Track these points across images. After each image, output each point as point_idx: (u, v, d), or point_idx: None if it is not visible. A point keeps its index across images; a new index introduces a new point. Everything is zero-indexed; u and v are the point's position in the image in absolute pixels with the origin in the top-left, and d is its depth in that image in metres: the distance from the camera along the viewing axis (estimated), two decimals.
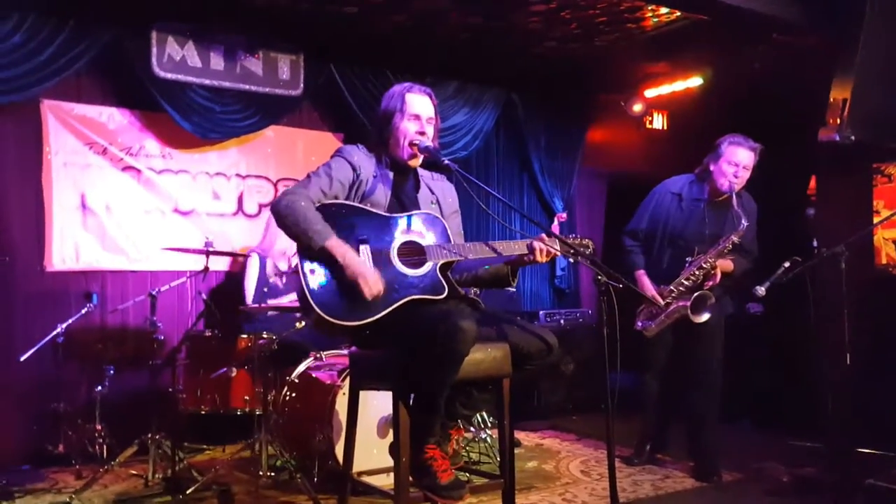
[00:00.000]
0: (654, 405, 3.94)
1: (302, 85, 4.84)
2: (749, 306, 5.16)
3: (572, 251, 2.44)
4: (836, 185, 4.66)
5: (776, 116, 4.65)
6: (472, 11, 4.41)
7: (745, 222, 3.51)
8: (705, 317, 3.60)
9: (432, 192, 2.64)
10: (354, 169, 2.48)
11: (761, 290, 3.44)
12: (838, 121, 3.80)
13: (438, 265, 2.42)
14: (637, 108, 5.96)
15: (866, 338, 3.78)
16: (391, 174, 2.55)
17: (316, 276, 2.29)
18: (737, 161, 3.56)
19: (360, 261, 2.31)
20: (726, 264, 3.63)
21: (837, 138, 3.82)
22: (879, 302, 4.34)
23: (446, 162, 2.47)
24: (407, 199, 2.55)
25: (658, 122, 6.29)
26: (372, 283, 2.26)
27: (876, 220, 4.45)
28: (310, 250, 2.29)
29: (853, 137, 3.83)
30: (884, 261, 4.64)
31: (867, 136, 3.90)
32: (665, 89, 5.72)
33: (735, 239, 3.54)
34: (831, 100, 3.85)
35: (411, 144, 2.50)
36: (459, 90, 5.43)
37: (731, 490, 3.61)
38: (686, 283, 3.64)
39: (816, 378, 4.05)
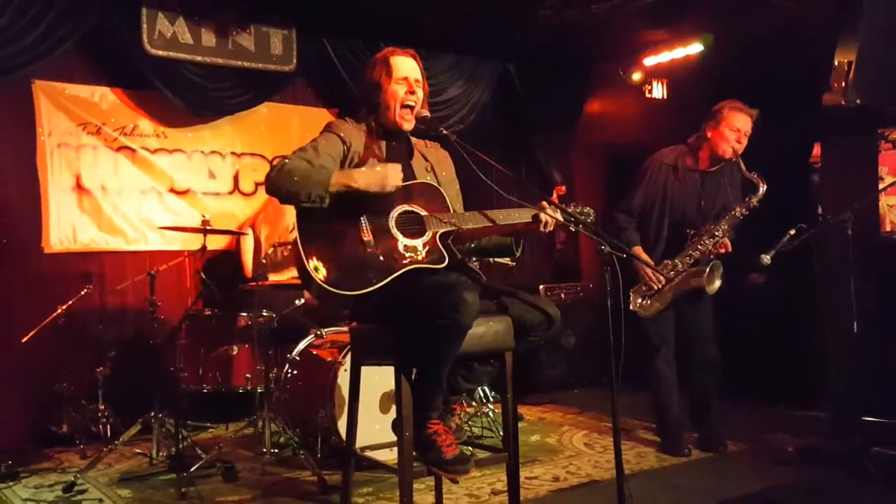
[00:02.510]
0: (672, 392, 3.70)
1: (295, 60, 4.77)
2: (751, 276, 5.12)
3: (574, 220, 2.40)
4: (841, 152, 4.59)
5: (778, 83, 4.57)
6: None
7: (763, 187, 3.43)
8: (717, 284, 3.54)
9: (426, 160, 2.59)
10: (344, 142, 2.43)
11: (766, 259, 3.40)
12: (843, 84, 3.73)
13: (438, 235, 2.38)
14: (636, 76, 5.87)
15: (871, 305, 3.74)
16: (383, 143, 2.50)
17: (316, 245, 2.25)
18: (738, 127, 3.50)
19: (371, 172, 2.30)
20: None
21: (843, 102, 3.75)
22: (884, 269, 4.30)
23: (444, 132, 2.42)
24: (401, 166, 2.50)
25: (658, 91, 6.19)
26: (395, 176, 2.30)
27: (880, 186, 4.39)
28: (316, 200, 2.23)
29: (858, 101, 3.76)
30: (888, 228, 4.59)
31: (872, 99, 3.82)
32: (665, 57, 5.62)
33: (755, 202, 3.46)
34: (836, 63, 3.77)
35: (403, 107, 2.45)
36: (455, 63, 5.35)
37: (736, 460, 3.61)
38: (695, 253, 3.55)
39: (821, 347, 4.03)
